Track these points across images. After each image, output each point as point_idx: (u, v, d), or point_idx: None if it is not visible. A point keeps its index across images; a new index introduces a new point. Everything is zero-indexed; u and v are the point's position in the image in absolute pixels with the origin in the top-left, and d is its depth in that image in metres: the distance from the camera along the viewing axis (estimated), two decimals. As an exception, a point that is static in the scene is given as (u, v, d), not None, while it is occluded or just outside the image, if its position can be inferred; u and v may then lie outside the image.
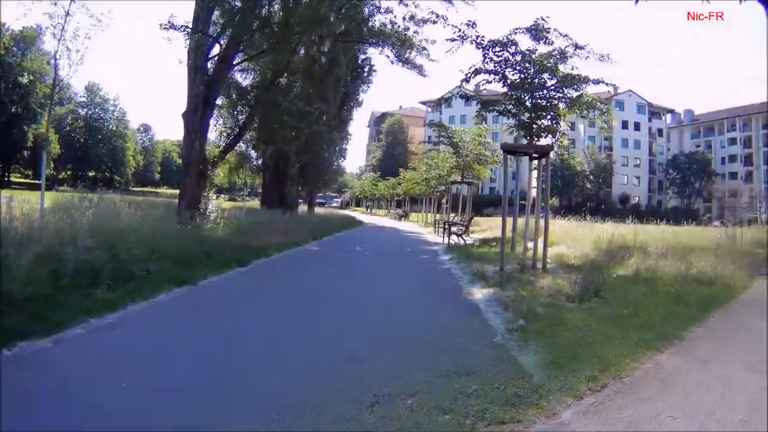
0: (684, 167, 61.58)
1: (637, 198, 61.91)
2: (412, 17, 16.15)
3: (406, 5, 15.81)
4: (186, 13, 12.57)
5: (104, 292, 5.18)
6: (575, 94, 8.54)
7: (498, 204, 56.20)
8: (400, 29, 16.24)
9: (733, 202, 54.66)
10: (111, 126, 65.47)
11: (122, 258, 5.83)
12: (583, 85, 8.39)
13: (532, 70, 8.33)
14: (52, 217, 6.69)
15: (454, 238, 14.13)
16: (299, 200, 30.41)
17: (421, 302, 6.27)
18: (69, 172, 61.81)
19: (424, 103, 73.11)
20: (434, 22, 9.57)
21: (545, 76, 8.31)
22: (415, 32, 16.22)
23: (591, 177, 58.46)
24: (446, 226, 15.46)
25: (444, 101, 8.35)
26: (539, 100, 8.49)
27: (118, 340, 4.17)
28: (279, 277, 7.94)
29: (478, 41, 8.22)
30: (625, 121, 61.70)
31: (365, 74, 26.87)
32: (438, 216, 26.38)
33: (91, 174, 62.94)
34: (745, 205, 51.67)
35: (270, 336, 4.59)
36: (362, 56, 26.59)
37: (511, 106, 8.79)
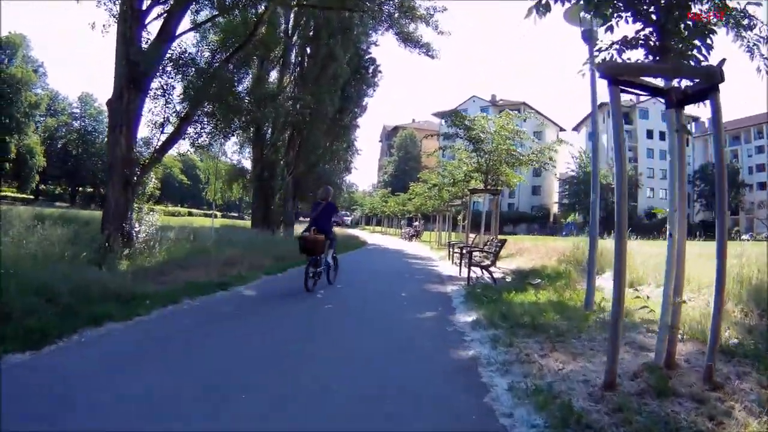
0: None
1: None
2: None
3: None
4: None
5: None
6: None
7: (519, 221, 51.13)
8: None
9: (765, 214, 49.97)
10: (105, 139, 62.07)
11: None
12: None
13: None
14: None
15: (476, 270, 9.98)
16: (299, 218, 26.68)
17: None
18: (65, 188, 58.59)
19: (437, 114, 69.79)
20: None
21: None
22: None
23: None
24: (464, 253, 10.79)
25: None
26: None
27: None
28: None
29: None
30: (650, 130, 57.53)
31: (369, 75, 23.73)
32: (454, 236, 22.09)
33: (90, 189, 59.19)
34: None
35: None
36: (367, 55, 23.65)
37: None
